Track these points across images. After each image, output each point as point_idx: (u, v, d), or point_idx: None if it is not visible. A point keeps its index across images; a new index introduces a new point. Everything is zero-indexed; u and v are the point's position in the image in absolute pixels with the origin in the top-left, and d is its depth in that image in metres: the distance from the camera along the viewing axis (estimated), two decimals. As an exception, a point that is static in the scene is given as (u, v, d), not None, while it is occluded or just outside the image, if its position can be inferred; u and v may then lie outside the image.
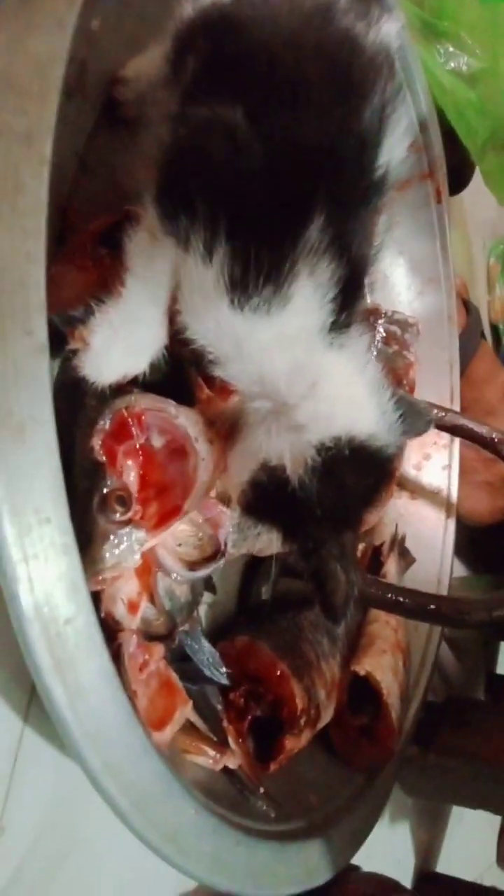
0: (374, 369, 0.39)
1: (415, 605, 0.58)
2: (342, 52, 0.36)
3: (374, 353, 0.75)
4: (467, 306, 0.94)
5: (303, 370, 0.36)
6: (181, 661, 0.48)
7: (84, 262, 0.41)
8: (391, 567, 0.76)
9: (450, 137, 0.85)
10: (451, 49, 0.80)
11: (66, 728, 0.31)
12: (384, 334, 0.79)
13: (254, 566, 0.60)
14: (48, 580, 0.29)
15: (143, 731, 0.36)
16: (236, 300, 0.34)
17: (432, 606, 0.58)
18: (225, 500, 0.49)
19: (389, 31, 0.39)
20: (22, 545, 0.28)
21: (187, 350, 0.39)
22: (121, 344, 0.37)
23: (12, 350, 0.28)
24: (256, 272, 0.33)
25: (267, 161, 0.33)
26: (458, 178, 1.00)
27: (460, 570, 0.98)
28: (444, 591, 0.79)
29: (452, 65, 0.81)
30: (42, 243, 0.30)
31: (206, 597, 0.55)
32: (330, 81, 0.35)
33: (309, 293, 0.34)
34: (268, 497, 0.38)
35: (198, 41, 0.38)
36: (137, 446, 0.40)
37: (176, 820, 0.36)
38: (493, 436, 0.72)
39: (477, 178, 0.98)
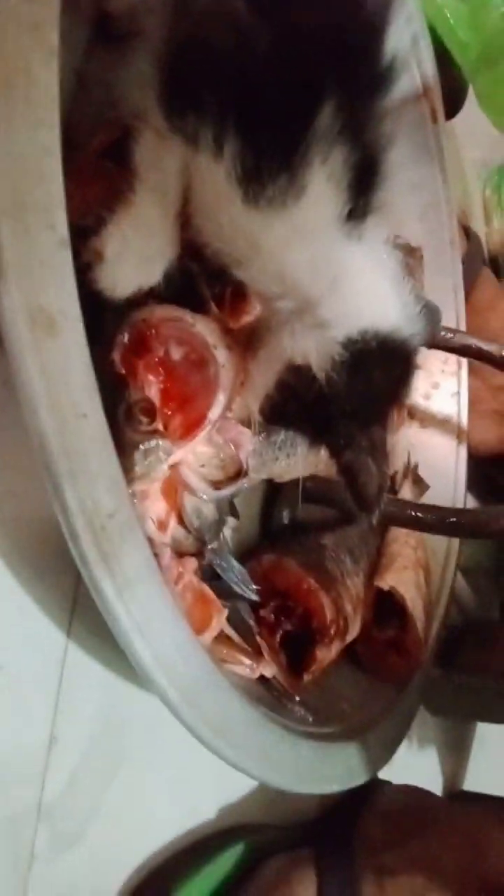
0: (393, 261, 0.38)
1: (435, 520, 0.59)
2: None
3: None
4: (467, 232, 0.93)
5: (324, 264, 0.36)
6: (211, 579, 0.49)
7: (89, 177, 0.40)
8: (406, 494, 0.77)
9: (442, 60, 0.83)
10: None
11: (115, 619, 0.31)
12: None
13: (274, 492, 0.61)
14: (89, 473, 0.30)
15: (186, 624, 0.36)
16: (250, 193, 0.33)
17: (452, 519, 0.59)
18: (244, 422, 0.50)
19: None
20: (63, 440, 0.29)
21: (196, 264, 0.39)
22: (134, 254, 0.37)
23: (37, 245, 0.28)
24: (269, 162, 0.33)
25: (272, 48, 0.32)
26: (452, 103, 0.98)
27: (472, 505, 0.98)
28: (459, 515, 0.80)
29: (443, -21, 0.79)
30: (57, 134, 0.29)
31: (230, 521, 0.56)
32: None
33: (323, 181, 0.34)
34: (295, 399, 0.38)
35: None
36: (157, 360, 0.41)
37: (224, 713, 0.37)
38: (503, 353, 0.72)
39: (467, 108, 0.96)
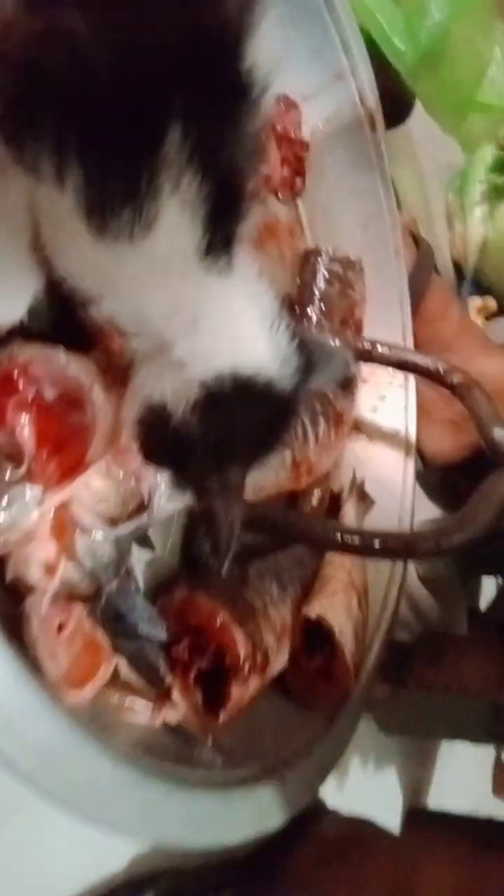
0: (266, 299, 0.36)
1: (361, 543, 0.57)
2: None
3: (317, 297, 0.73)
4: (417, 240, 0.91)
5: (180, 302, 0.34)
6: (116, 620, 0.47)
7: None
8: (350, 512, 0.75)
9: (384, 64, 0.81)
10: (372, -35, 0.76)
11: None
12: (326, 274, 0.76)
13: (196, 520, 0.59)
14: None
15: (43, 690, 0.34)
16: (96, 227, 0.31)
17: (377, 542, 0.57)
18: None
19: None
20: None
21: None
22: None
23: None
24: (112, 194, 0.31)
25: (112, 69, 0.30)
26: (398, 107, 0.96)
27: (435, 513, 0.97)
28: (406, 529, 0.78)
29: (376, -18, 0.77)
30: None
31: (145, 554, 0.54)
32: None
33: (174, 213, 0.32)
34: (154, 437, 0.37)
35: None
36: (28, 399, 0.39)
37: (90, 776, 0.35)
38: (439, 367, 0.70)
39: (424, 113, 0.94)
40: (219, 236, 0.33)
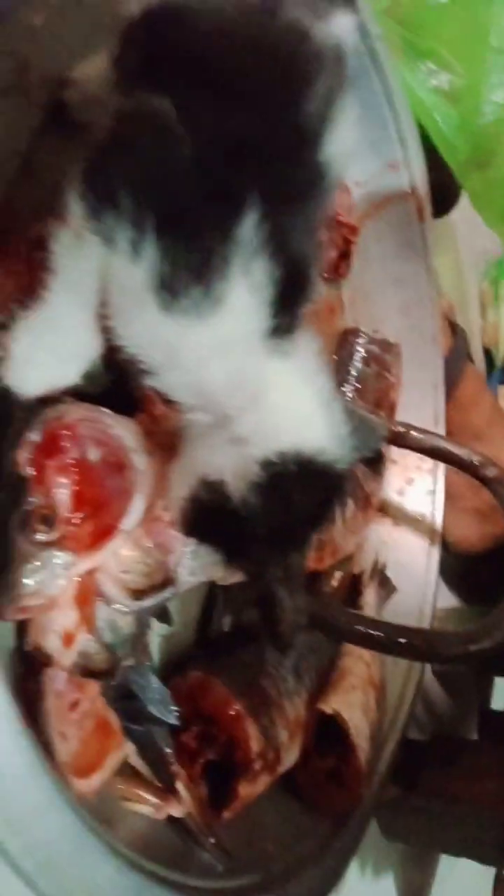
0: (323, 378, 0.36)
1: (385, 638, 0.55)
2: (284, 42, 0.34)
3: (353, 377, 0.73)
4: (453, 328, 0.92)
5: (243, 379, 0.33)
6: (126, 698, 0.45)
7: (17, 265, 0.38)
8: (370, 597, 0.72)
9: (435, 157, 0.83)
10: (432, 66, 0.79)
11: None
12: (364, 354, 0.76)
13: (215, 594, 0.57)
14: None
15: (53, 781, 0.32)
16: (166, 302, 0.31)
17: (403, 640, 0.54)
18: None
19: (343, 24, 0.37)
20: None
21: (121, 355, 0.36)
22: (46, 352, 0.34)
23: None
24: (186, 271, 0.31)
25: (195, 152, 0.31)
26: (445, 199, 0.98)
27: (452, 601, 0.94)
28: (426, 620, 0.76)
29: (434, 82, 0.80)
30: None
31: (162, 628, 0.52)
32: (267, 70, 0.33)
33: (243, 294, 0.31)
34: (208, 515, 0.35)
35: (138, 35, 0.36)
36: (71, 461, 0.38)
37: (91, 882, 0.32)
38: (473, 459, 0.69)
39: (467, 201, 0.96)
40: (283, 319, 0.33)
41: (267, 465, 0.33)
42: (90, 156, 0.32)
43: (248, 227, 0.31)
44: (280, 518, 0.34)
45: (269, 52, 0.33)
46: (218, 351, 0.32)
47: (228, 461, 0.34)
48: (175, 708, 0.46)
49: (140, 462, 0.38)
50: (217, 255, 0.31)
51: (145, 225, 0.30)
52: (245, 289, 0.31)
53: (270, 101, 0.32)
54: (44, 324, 0.34)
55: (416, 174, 0.79)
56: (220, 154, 0.31)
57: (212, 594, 0.56)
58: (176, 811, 0.44)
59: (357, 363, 0.75)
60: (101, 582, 0.42)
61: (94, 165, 0.32)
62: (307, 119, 0.32)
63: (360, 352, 0.76)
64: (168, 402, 0.41)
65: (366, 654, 0.62)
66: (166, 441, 0.40)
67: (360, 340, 0.76)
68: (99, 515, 0.38)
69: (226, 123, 0.31)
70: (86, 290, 0.33)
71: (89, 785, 0.36)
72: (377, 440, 0.39)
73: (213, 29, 0.34)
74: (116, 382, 0.40)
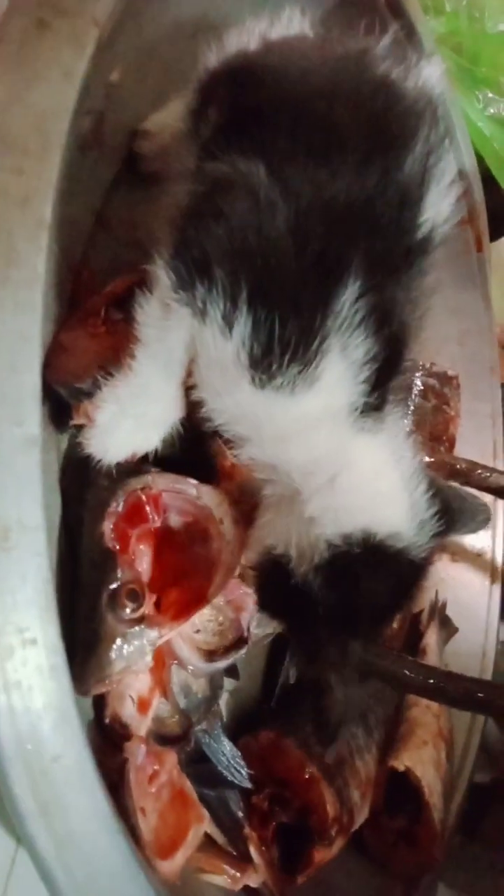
0: (409, 457, 0.34)
1: (461, 694, 0.52)
2: (379, 100, 0.32)
3: (410, 410, 0.71)
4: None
5: (322, 459, 0.32)
6: (198, 762, 0.43)
7: (97, 327, 0.37)
8: (431, 638, 0.70)
9: (487, 183, 0.82)
10: (490, 95, 0.78)
11: (52, 882, 0.26)
12: (422, 388, 0.74)
13: (281, 645, 0.55)
14: (33, 711, 0.25)
15: (145, 877, 0.30)
16: (258, 379, 0.30)
17: (481, 695, 0.52)
18: (248, 579, 0.45)
19: (430, 75, 0.36)
20: (3, 670, 0.24)
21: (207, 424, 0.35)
22: (129, 421, 0.33)
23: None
24: (281, 348, 0.29)
25: (293, 222, 0.29)
26: (497, 224, 0.96)
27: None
28: (490, 664, 0.73)
29: (491, 110, 0.79)
30: (37, 319, 0.26)
31: (228, 683, 0.51)
32: (365, 131, 0.31)
33: (339, 372, 0.30)
34: (271, 586, 0.34)
35: (220, 91, 0.35)
36: (153, 529, 0.36)
37: None
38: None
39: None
40: (376, 396, 0.31)
41: (333, 546, 0.32)
42: (180, 223, 0.31)
43: (349, 301, 0.29)
44: (340, 602, 0.32)
45: (365, 109, 0.32)
46: (302, 429, 0.31)
47: (295, 537, 0.33)
48: (246, 770, 0.45)
49: (228, 531, 0.37)
50: (314, 332, 0.29)
51: (239, 297, 0.29)
52: (342, 367, 0.30)
53: (371, 162, 0.30)
54: (129, 393, 0.33)
55: (475, 203, 0.77)
56: (320, 222, 0.30)
57: (276, 644, 0.55)
58: (252, 881, 0.42)
59: (415, 397, 0.74)
60: (175, 645, 0.41)
61: (185, 235, 0.30)
62: (408, 178, 0.31)
63: (418, 385, 0.74)
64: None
65: (434, 705, 0.60)
66: (247, 507, 0.38)
67: (418, 374, 0.74)
68: (183, 584, 0.37)
69: (324, 189, 0.30)
70: (173, 361, 0.32)
71: (173, 865, 0.35)
72: (480, 524, 0.37)
73: (302, 85, 0.33)
74: (195, 448, 0.39)
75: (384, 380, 0.32)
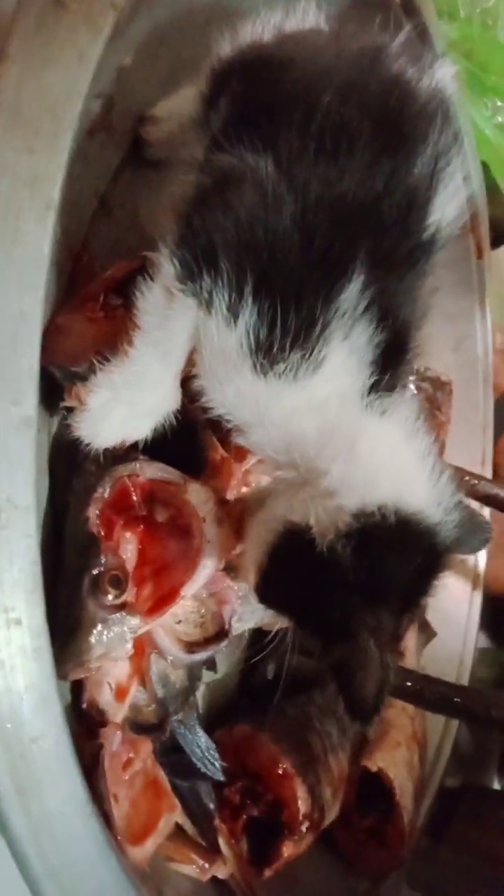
0: (423, 440, 0.34)
1: (438, 698, 0.53)
2: (391, 99, 0.32)
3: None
4: (506, 365, 0.90)
5: (336, 432, 0.31)
6: (172, 752, 0.43)
7: (95, 311, 0.37)
8: (410, 641, 0.70)
9: (490, 192, 0.82)
10: (499, 103, 0.78)
11: (25, 864, 0.26)
12: (415, 391, 0.75)
13: (260, 640, 0.55)
14: (14, 691, 0.25)
15: (118, 861, 0.31)
16: (260, 365, 0.30)
17: (457, 700, 0.52)
18: (231, 572, 0.45)
19: (444, 76, 0.36)
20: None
21: (201, 414, 0.35)
22: (122, 407, 0.33)
23: (-7, 421, 0.25)
24: (284, 337, 0.29)
25: (299, 216, 0.29)
26: (499, 233, 0.97)
27: (482, 642, 0.92)
28: (466, 671, 0.74)
29: (500, 119, 0.79)
30: (39, 300, 0.26)
31: (206, 675, 0.51)
32: (376, 130, 0.31)
33: (342, 357, 0.30)
34: (291, 558, 0.33)
35: (232, 82, 0.35)
36: (139, 517, 0.36)
37: None
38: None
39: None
40: (382, 380, 0.32)
41: (361, 515, 0.31)
42: (187, 214, 0.31)
43: (352, 293, 0.29)
44: (371, 570, 0.31)
45: (377, 107, 0.32)
46: (309, 411, 0.31)
47: (316, 510, 0.32)
48: (220, 763, 0.45)
49: (209, 532, 0.37)
50: (318, 321, 0.29)
51: (244, 288, 0.29)
52: (345, 352, 0.30)
53: (381, 160, 0.31)
54: (124, 380, 0.33)
55: (478, 210, 0.77)
56: (325, 217, 0.30)
57: (256, 639, 0.55)
58: (220, 873, 0.42)
59: (407, 400, 0.74)
60: (156, 635, 0.41)
61: (192, 226, 0.30)
62: (417, 180, 0.31)
63: (411, 388, 0.75)
64: (236, 450, 0.40)
65: (409, 708, 0.60)
66: (236, 510, 0.38)
67: (412, 378, 0.74)
68: (161, 577, 0.37)
69: (332, 185, 0.30)
70: (173, 350, 0.32)
71: (143, 852, 0.35)
72: (480, 543, 0.36)
73: (315, 81, 0.33)
74: (185, 441, 0.39)
75: (390, 365, 0.32)
